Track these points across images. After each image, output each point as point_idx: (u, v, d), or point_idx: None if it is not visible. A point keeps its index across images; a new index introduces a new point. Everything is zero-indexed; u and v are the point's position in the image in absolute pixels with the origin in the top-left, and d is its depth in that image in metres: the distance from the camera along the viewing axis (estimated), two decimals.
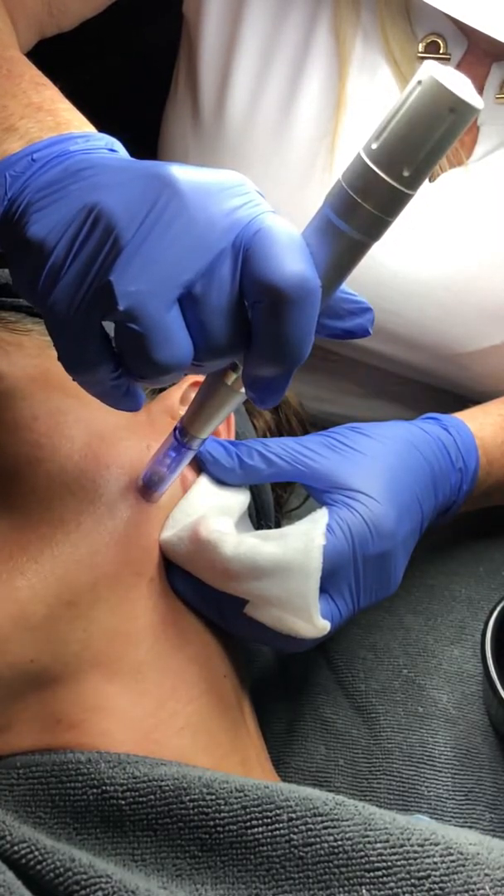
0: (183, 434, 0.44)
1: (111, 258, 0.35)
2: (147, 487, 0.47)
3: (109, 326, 0.37)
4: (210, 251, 0.35)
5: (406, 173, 0.34)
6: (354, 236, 0.36)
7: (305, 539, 0.45)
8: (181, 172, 0.36)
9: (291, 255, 0.35)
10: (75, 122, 0.41)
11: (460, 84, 0.33)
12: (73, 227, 0.35)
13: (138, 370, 0.37)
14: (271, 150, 0.66)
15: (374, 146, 0.35)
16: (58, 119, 0.40)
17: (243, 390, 0.41)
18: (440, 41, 0.65)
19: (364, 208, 0.35)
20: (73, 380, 0.39)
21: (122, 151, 0.40)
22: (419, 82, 0.33)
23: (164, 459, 0.46)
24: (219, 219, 0.36)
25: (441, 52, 0.65)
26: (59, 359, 0.38)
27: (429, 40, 0.65)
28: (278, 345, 0.36)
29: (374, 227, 0.36)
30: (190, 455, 0.45)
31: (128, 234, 0.35)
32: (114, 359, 0.38)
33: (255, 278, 0.35)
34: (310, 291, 0.35)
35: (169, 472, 0.46)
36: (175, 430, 0.44)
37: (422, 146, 0.34)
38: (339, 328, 0.41)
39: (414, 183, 0.35)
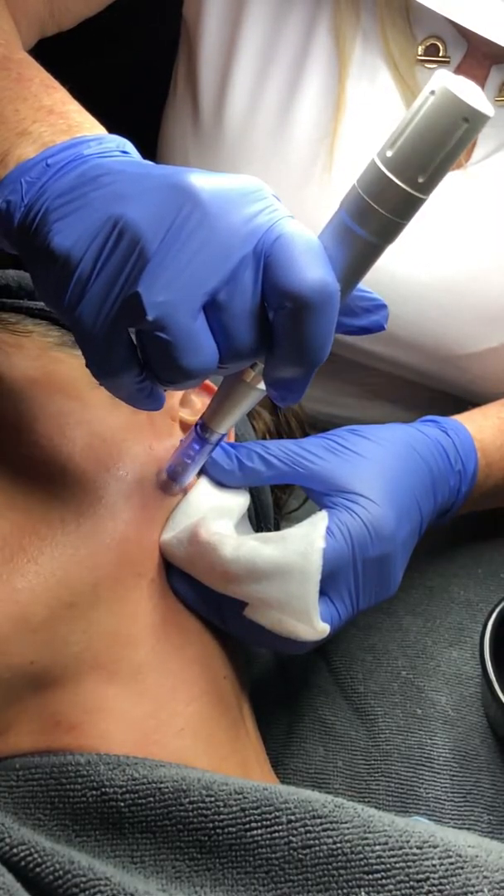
0: (204, 430, 0.46)
1: (138, 270, 0.36)
2: (170, 481, 0.49)
3: (132, 332, 0.38)
4: (232, 259, 0.37)
5: (421, 179, 0.36)
6: (370, 240, 0.38)
7: (305, 542, 0.45)
8: (201, 181, 0.37)
9: (312, 262, 0.36)
10: (86, 125, 0.41)
11: (472, 93, 0.35)
12: (99, 240, 0.36)
13: (166, 376, 0.38)
14: (271, 151, 0.66)
15: (390, 154, 0.36)
16: (69, 122, 0.41)
17: (261, 386, 0.43)
18: (440, 44, 0.65)
19: (379, 213, 0.37)
20: (100, 384, 0.40)
21: (133, 153, 0.41)
22: (432, 92, 0.35)
23: (187, 453, 0.47)
24: (239, 226, 0.37)
25: (440, 54, 0.65)
26: (87, 366, 0.39)
27: (428, 43, 0.65)
28: (300, 347, 0.37)
29: (389, 230, 0.38)
30: (209, 449, 0.47)
31: (153, 245, 0.36)
32: (139, 364, 0.39)
33: (278, 285, 0.36)
34: (330, 296, 0.37)
35: (192, 464, 0.48)
36: (196, 426, 0.46)
37: (436, 154, 0.36)
38: (355, 325, 0.42)
39: (428, 188, 0.37)
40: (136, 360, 0.39)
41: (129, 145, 0.41)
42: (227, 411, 0.44)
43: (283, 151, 0.65)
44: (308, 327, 0.37)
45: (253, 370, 0.42)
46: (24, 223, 0.38)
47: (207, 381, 0.54)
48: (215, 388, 0.54)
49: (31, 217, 0.38)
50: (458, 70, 0.65)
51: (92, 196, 0.37)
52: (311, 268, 0.36)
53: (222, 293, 0.37)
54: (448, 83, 0.34)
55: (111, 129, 0.42)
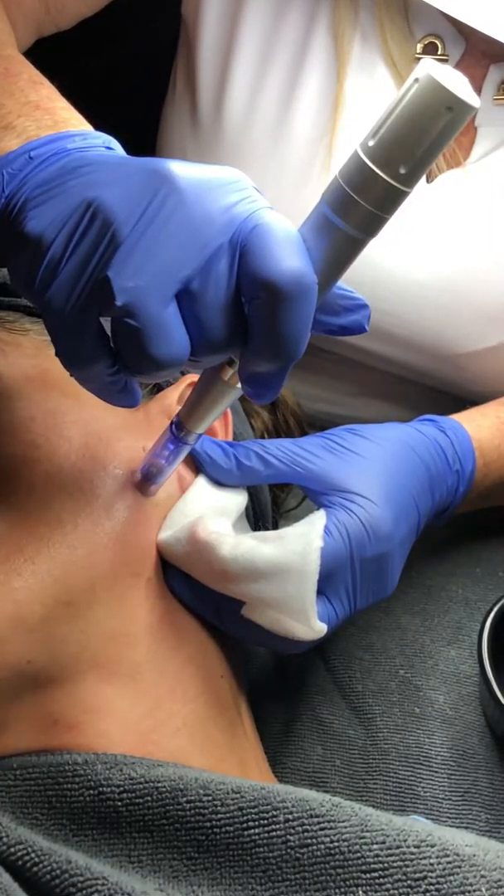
0: (179, 428, 0.44)
1: (109, 253, 0.35)
2: (145, 480, 0.47)
3: (107, 323, 0.37)
4: (208, 247, 0.36)
5: (403, 171, 0.35)
6: (351, 233, 0.36)
7: (303, 541, 0.45)
8: (179, 168, 0.36)
9: (288, 252, 0.35)
10: (73, 121, 0.41)
11: (457, 82, 0.33)
12: (72, 222, 0.36)
13: (135, 366, 0.37)
14: (269, 150, 0.66)
15: (371, 143, 0.35)
16: (55, 117, 0.41)
17: (240, 385, 0.41)
18: (438, 42, 0.65)
19: (361, 205, 0.35)
20: (71, 375, 0.39)
21: (118, 150, 0.40)
22: (416, 80, 0.33)
23: (161, 452, 0.46)
24: (216, 215, 0.36)
25: (439, 52, 0.65)
26: (57, 354, 0.38)
27: (427, 41, 0.65)
28: (275, 341, 0.36)
29: (371, 224, 0.36)
30: (186, 449, 0.45)
31: (126, 229, 0.35)
32: (111, 354, 0.38)
33: (252, 274, 0.35)
34: (306, 287, 0.35)
35: (166, 465, 0.46)
36: (171, 424, 0.45)
37: (419, 144, 0.34)
38: (335, 324, 0.41)
39: (410, 180, 0.35)
40: (108, 350, 0.38)
41: (114, 142, 0.40)
42: (204, 410, 0.43)
43: (282, 150, 0.65)
44: (283, 319, 0.35)
45: (231, 368, 0.41)
46: (3, 214, 0.38)
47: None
48: None
49: (10, 207, 0.37)
50: (457, 68, 0.65)
51: (70, 184, 0.36)
52: (287, 257, 0.35)
53: (196, 282, 0.36)
54: (432, 71, 0.33)
55: (110, 128, 0.42)
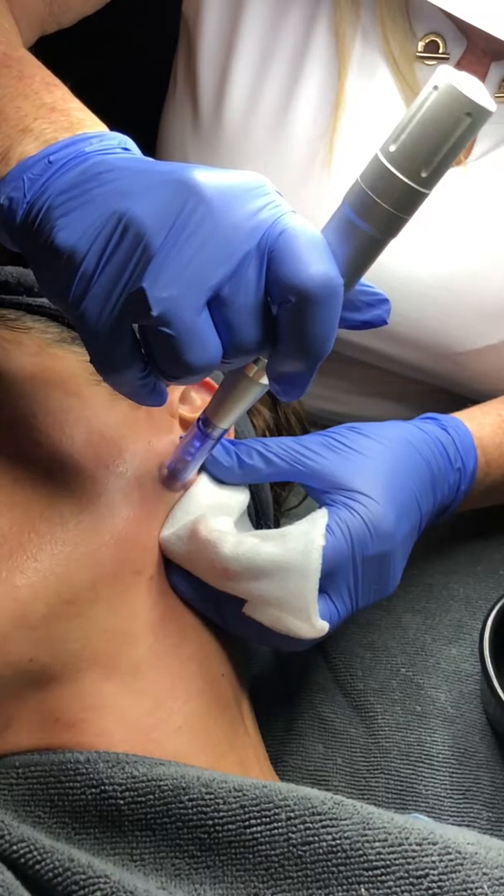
0: (206, 424, 0.46)
1: (142, 265, 0.36)
2: (171, 476, 0.49)
3: (135, 328, 0.38)
4: (236, 254, 0.37)
5: (424, 174, 0.36)
6: (373, 234, 0.38)
7: (305, 540, 0.45)
8: (204, 176, 0.37)
9: (316, 256, 0.36)
10: (87, 122, 0.41)
11: (475, 88, 0.35)
12: (103, 235, 0.37)
13: (170, 371, 0.38)
14: (270, 148, 0.66)
15: (392, 149, 0.36)
16: (71, 119, 0.41)
17: (264, 381, 0.43)
18: (439, 40, 0.65)
19: (382, 208, 0.37)
20: (104, 380, 0.40)
21: (134, 150, 0.41)
22: (435, 87, 0.35)
23: (188, 449, 0.47)
24: (243, 222, 0.37)
25: (440, 51, 0.65)
26: (91, 361, 0.39)
27: (428, 39, 0.65)
28: (304, 342, 0.37)
29: (392, 225, 0.38)
30: (211, 444, 0.47)
31: (157, 241, 0.36)
32: (142, 359, 0.39)
33: (282, 280, 0.36)
34: (334, 290, 0.37)
35: (193, 460, 0.48)
36: (199, 420, 0.46)
37: (439, 149, 0.36)
38: (357, 320, 0.43)
39: (431, 183, 0.37)
40: (140, 355, 0.39)
41: (130, 142, 0.41)
42: (230, 406, 0.44)
43: (283, 148, 0.65)
44: (312, 321, 0.37)
45: (256, 365, 0.42)
46: (26, 220, 0.38)
47: (207, 378, 0.54)
48: (215, 384, 0.54)
49: (33, 214, 0.38)
50: (458, 67, 0.65)
51: (95, 192, 0.37)
52: (315, 262, 0.36)
53: (226, 288, 0.37)
54: (451, 79, 0.35)
55: (111, 127, 0.42)
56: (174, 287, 0.36)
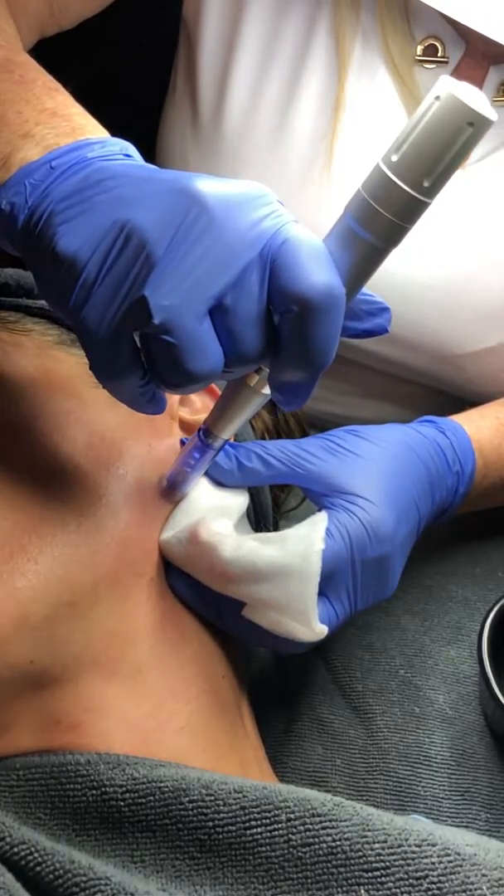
0: (207, 435, 0.45)
1: (144, 274, 0.36)
2: (171, 488, 0.48)
3: (135, 336, 0.38)
4: (238, 263, 0.37)
5: (426, 184, 0.37)
6: (375, 244, 0.38)
7: (305, 543, 0.45)
8: (207, 186, 0.37)
9: (317, 266, 0.37)
10: (89, 127, 0.41)
11: (476, 98, 0.35)
12: (105, 243, 0.37)
13: (171, 380, 0.38)
14: (270, 151, 0.66)
15: (395, 158, 0.36)
16: (72, 124, 0.41)
17: (265, 391, 0.43)
18: (438, 44, 0.65)
19: (384, 217, 0.37)
20: (103, 387, 0.40)
21: (136, 156, 0.41)
22: (437, 97, 0.35)
23: (188, 460, 0.47)
24: (245, 231, 0.37)
25: (439, 54, 0.65)
26: (91, 368, 0.39)
27: (427, 43, 0.65)
28: (306, 351, 0.37)
29: (394, 234, 0.38)
30: (212, 455, 0.47)
31: (159, 250, 0.36)
32: (142, 367, 0.39)
33: (284, 289, 0.37)
34: (336, 299, 0.37)
35: (193, 472, 0.47)
36: (199, 430, 0.46)
37: (441, 158, 0.36)
38: (358, 329, 0.43)
39: (433, 192, 0.37)
40: (140, 363, 0.39)
41: (132, 148, 0.41)
42: (231, 416, 0.44)
43: (283, 151, 0.65)
44: (314, 331, 0.37)
45: (257, 375, 0.42)
46: (27, 226, 0.38)
47: None
48: (216, 387, 0.54)
49: (35, 220, 0.38)
50: (457, 70, 0.66)
51: (97, 200, 0.37)
52: (318, 271, 0.36)
53: (228, 297, 0.37)
54: (453, 88, 0.35)
55: (110, 130, 0.42)
56: (176, 295, 0.36)
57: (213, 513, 0.49)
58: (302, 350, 0.37)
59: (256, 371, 0.42)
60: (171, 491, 0.49)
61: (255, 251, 0.37)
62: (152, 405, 0.41)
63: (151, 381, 0.40)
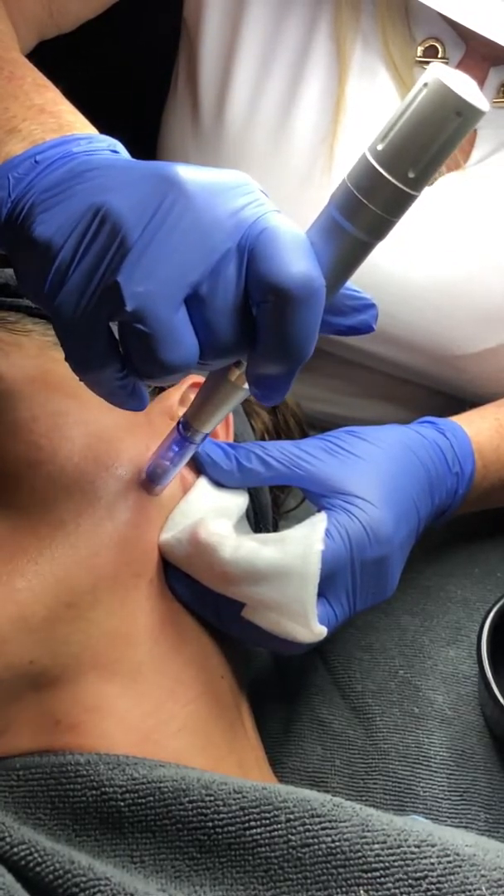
0: (186, 428, 0.44)
1: (118, 259, 0.35)
2: (150, 481, 0.48)
3: (114, 327, 0.37)
4: (216, 251, 0.36)
5: (411, 175, 0.35)
6: (359, 236, 0.36)
7: (304, 544, 0.45)
8: (186, 172, 0.36)
9: (296, 255, 0.35)
10: (77, 124, 0.41)
11: (466, 87, 0.33)
12: (80, 228, 0.36)
13: (145, 370, 0.37)
14: (271, 153, 0.66)
15: (380, 147, 0.35)
16: (60, 121, 0.41)
17: (246, 386, 0.41)
18: (438, 45, 0.65)
19: (369, 209, 0.36)
20: (80, 380, 0.39)
21: (123, 153, 0.40)
22: (425, 84, 0.34)
23: (167, 453, 0.46)
24: (224, 219, 0.36)
25: (439, 55, 0.65)
26: (66, 359, 0.38)
27: (427, 44, 0.65)
28: (283, 343, 0.36)
29: (379, 227, 0.36)
30: (192, 449, 0.46)
31: (134, 234, 0.35)
32: (120, 359, 0.38)
33: (261, 278, 0.35)
34: (314, 291, 0.35)
35: (172, 465, 0.46)
36: (178, 424, 0.45)
37: (427, 148, 0.34)
38: (342, 325, 0.41)
39: (419, 184, 0.35)
40: (117, 354, 0.38)
41: (119, 145, 0.40)
42: (211, 411, 0.43)
43: (284, 152, 0.65)
44: (292, 322, 0.36)
45: (238, 369, 0.41)
46: (10, 218, 0.38)
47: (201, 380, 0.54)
48: None
49: (17, 212, 0.37)
50: None
51: (77, 188, 0.36)
52: (296, 261, 0.35)
53: (204, 286, 0.36)
54: (442, 75, 0.33)
55: (111, 130, 0.42)
56: (150, 282, 0.35)
57: (213, 513, 0.49)
58: (279, 342, 0.36)
59: (237, 365, 0.41)
60: (149, 484, 0.48)
61: (233, 240, 0.36)
62: (133, 400, 0.40)
63: (129, 374, 0.38)
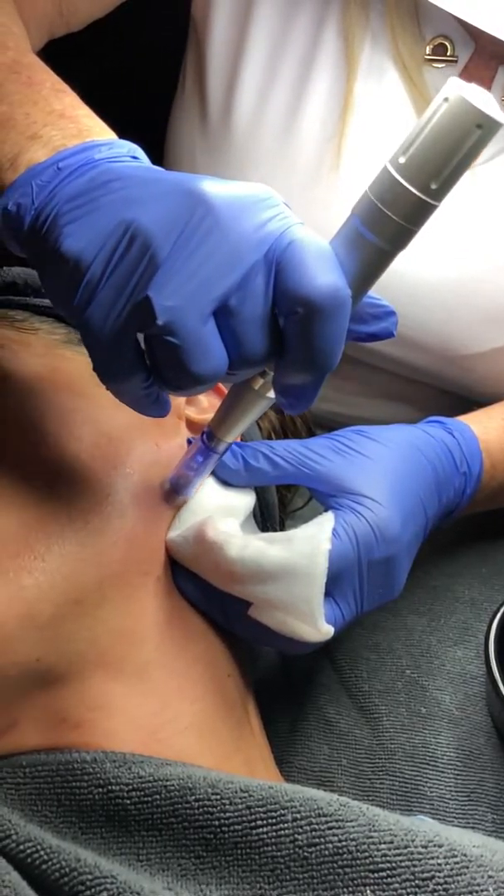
0: (210, 438, 0.45)
1: (148, 274, 0.36)
2: (174, 491, 0.48)
3: (140, 337, 0.38)
4: (243, 265, 0.37)
5: (434, 186, 0.36)
6: (382, 246, 0.38)
7: (311, 543, 0.45)
8: (212, 187, 0.37)
9: (323, 267, 0.36)
10: (96, 129, 0.41)
11: (485, 100, 0.35)
12: (110, 244, 0.37)
13: (175, 381, 0.38)
14: (278, 152, 0.66)
15: (402, 160, 0.36)
16: (80, 126, 0.41)
17: (270, 395, 0.42)
18: (447, 44, 0.65)
19: (392, 220, 0.37)
20: (107, 389, 0.40)
21: (143, 158, 0.41)
22: (446, 99, 0.35)
23: (191, 464, 0.47)
24: (251, 232, 0.37)
25: (448, 54, 0.65)
26: (94, 369, 0.39)
27: (436, 42, 0.65)
28: (311, 354, 0.37)
29: (401, 237, 0.38)
30: (216, 459, 0.46)
31: (164, 250, 0.36)
32: (146, 369, 0.39)
33: (289, 291, 0.36)
34: (342, 302, 0.37)
35: (196, 475, 0.47)
36: (203, 434, 0.46)
37: (449, 161, 0.36)
38: (364, 332, 0.42)
39: (440, 195, 0.37)
40: (144, 364, 0.39)
41: (139, 151, 0.41)
42: (235, 420, 0.44)
43: (291, 151, 0.65)
44: (319, 333, 0.37)
45: (262, 378, 0.42)
46: (34, 226, 0.39)
47: None
48: (223, 387, 0.54)
49: (41, 220, 0.38)
50: (466, 70, 0.65)
51: (103, 200, 0.37)
52: (323, 273, 0.36)
53: (233, 299, 0.37)
54: (462, 90, 0.35)
55: (118, 130, 0.42)
56: (180, 296, 0.36)
57: (220, 512, 0.49)
58: (307, 353, 0.37)
59: (261, 374, 0.42)
60: (172, 494, 0.49)
61: (260, 252, 0.37)
62: (156, 407, 0.41)
63: (155, 383, 0.39)
